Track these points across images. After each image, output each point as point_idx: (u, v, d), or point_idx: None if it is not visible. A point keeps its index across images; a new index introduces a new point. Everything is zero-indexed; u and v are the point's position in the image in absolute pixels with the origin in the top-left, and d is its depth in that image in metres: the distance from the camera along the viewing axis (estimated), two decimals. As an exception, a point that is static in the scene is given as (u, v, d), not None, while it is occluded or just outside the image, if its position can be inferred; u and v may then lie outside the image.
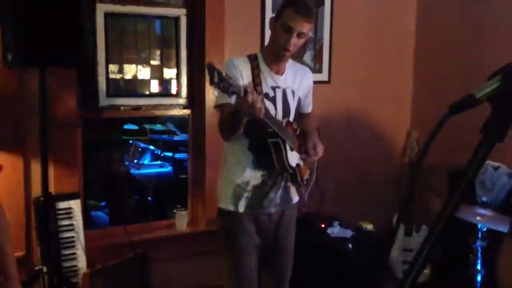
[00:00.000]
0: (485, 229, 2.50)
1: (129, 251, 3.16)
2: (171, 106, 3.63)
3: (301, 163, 2.55)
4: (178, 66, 3.63)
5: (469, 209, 2.64)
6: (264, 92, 2.41)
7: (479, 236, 2.51)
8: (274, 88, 2.46)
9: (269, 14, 3.68)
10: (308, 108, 2.74)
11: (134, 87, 3.59)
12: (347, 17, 4.01)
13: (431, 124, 3.69)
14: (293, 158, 2.46)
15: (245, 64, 2.42)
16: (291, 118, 2.53)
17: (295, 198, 2.66)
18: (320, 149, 2.54)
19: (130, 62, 3.55)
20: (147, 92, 3.63)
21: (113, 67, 3.46)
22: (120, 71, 3.51)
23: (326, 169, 3.94)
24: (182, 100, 3.65)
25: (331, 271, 3.23)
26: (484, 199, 3.30)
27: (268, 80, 2.44)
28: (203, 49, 3.53)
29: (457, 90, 3.95)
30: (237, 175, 2.47)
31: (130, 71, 3.55)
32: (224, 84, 1.90)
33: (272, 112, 2.40)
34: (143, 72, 3.59)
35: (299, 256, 3.18)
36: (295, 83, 2.54)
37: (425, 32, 4.25)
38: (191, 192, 3.73)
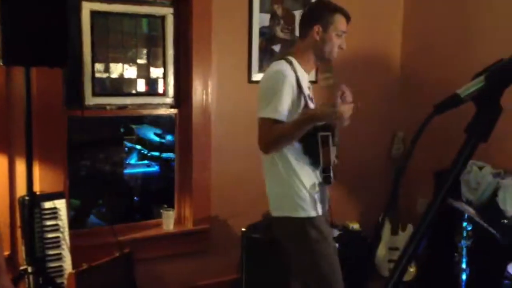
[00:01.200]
0: (470, 228, 2.52)
1: (115, 251, 3.15)
2: (157, 106, 3.61)
3: (336, 161, 2.57)
4: (165, 65, 3.62)
5: (458, 203, 2.66)
6: (307, 93, 2.48)
7: (464, 235, 2.53)
8: (309, 88, 2.56)
9: (256, 13, 3.69)
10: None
11: (120, 86, 3.57)
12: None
13: (417, 125, 3.71)
14: (334, 153, 2.50)
15: (291, 71, 2.41)
16: None
17: None
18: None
19: (116, 61, 3.53)
20: (134, 91, 3.61)
21: (99, 66, 3.43)
22: (106, 70, 3.49)
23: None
24: (169, 100, 3.64)
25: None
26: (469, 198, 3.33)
27: (306, 81, 2.51)
28: (190, 48, 3.53)
29: (443, 91, 3.98)
30: (306, 180, 2.44)
31: (116, 70, 3.53)
32: None
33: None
34: (130, 71, 3.58)
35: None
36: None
37: (411, 33, 4.28)
38: (178, 191, 3.73)
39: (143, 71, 3.61)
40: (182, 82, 3.62)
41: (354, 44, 4.19)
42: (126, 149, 5.32)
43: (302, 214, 2.42)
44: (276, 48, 3.82)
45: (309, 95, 2.51)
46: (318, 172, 2.47)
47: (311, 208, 2.43)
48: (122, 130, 5.38)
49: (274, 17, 3.78)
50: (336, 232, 3.36)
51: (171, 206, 3.73)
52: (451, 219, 2.57)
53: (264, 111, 2.33)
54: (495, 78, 0.86)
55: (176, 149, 3.75)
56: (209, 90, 3.59)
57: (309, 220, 2.43)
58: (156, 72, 3.64)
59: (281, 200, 2.48)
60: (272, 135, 2.31)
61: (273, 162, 2.46)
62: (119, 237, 3.26)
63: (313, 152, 2.41)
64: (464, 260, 2.55)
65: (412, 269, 3.99)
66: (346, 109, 2.25)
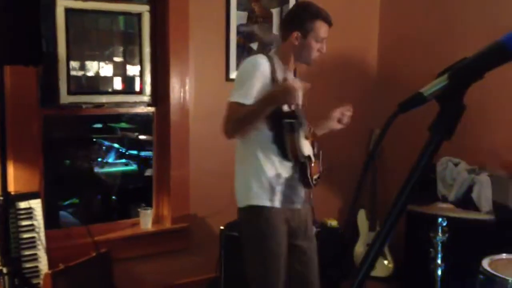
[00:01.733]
0: (445, 224, 2.55)
1: (92, 251, 3.11)
2: (134, 104, 3.59)
3: (313, 158, 2.55)
4: (141, 63, 3.59)
5: (431, 206, 2.69)
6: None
7: (440, 230, 2.56)
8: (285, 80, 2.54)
9: (234, 11, 3.68)
10: None
11: (96, 85, 3.54)
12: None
13: (393, 122, 3.67)
14: (306, 147, 2.49)
15: (266, 62, 2.42)
16: None
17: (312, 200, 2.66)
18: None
19: (92, 59, 3.50)
20: (110, 90, 3.58)
21: (74, 64, 3.39)
22: (82, 68, 3.45)
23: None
24: (146, 98, 3.62)
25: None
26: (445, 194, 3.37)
27: (281, 76, 2.47)
28: (167, 46, 3.51)
29: (416, 89, 4.02)
30: (268, 169, 2.40)
31: (92, 68, 3.50)
32: None
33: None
34: (106, 69, 3.54)
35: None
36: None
37: (388, 30, 4.31)
38: (156, 190, 3.71)
39: (120, 69, 3.58)
40: (159, 80, 3.60)
41: (331, 42, 4.22)
42: (104, 147, 5.27)
43: (254, 202, 2.40)
44: (254, 46, 3.81)
45: None
46: (288, 165, 2.44)
47: (266, 198, 2.39)
48: (99, 128, 5.34)
49: (251, 15, 3.78)
50: (314, 230, 3.37)
51: (149, 205, 3.71)
52: (426, 214, 2.59)
53: (233, 96, 2.36)
54: (458, 77, 0.87)
55: (154, 147, 3.73)
56: (187, 88, 3.58)
57: (260, 209, 2.39)
58: (132, 70, 3.61)
59: (242, 189, 2.47)
60: (233, 118, 2.31)
61: (239, 152, 2.50)
62: (96, 237, 3.22)
63: (280, 141, 2.40)
64: (439, 255, 2.58)
65: (390, 265, 4.03)
66: (297, 85, 2.22)
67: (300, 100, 2.19)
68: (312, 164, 2.54)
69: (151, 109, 3.63)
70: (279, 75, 2.44)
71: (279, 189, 2.41)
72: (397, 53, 4.24)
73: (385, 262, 4.04)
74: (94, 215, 4.44)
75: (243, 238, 2.50)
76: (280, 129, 2.38)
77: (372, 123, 4.42)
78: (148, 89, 3.61)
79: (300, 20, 2.50)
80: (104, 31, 3.50)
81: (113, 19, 3.54)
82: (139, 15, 3.55)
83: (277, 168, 2.42)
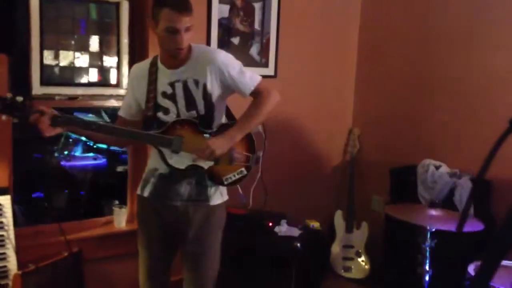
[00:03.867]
0: (433, 230, 2.52)
1: (63, 250, 2.98)
2: (111, 97, 3.43)
3: (206, 164, 2.37)
4: (119, 55, 3.43)
5: (420, 212, 2.66)
6: (161, 91, 2.37)
7: (428, 236, 2.53)
8: (172, 84, 2.37)
9: (216, 4, 3.57)
10: (245, 91, 2.41)
11: (70, 76, 3.36)
12: (295, 12, 3.96)
13: (372, 122, 3.76)
14: (183, 159, 2.34)
15: (144, 68, 2.43)
16: (201, 109, 2.37)
17: (216, 200, 2.47)
18: (203, 153, 2.27)
19: (66, 48, 3.32)
20: (85, 81, 3.41)
21: (48, 54, 3.21)
22: (56, 57, 3.27)
23: (271, 166, 3.90)
24: (123, 91, 3.46)
25: (279, 271, 3.18)
26: (427, 197, 3.36)
27: (164, 78, 2.38)
28: (146, 37, 3.36)
29: (397, 90, 4.04)
30: (151, 162, 2.52)
31: (67, 57, 3.32)
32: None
33: (172, 110, 2.38)
34: (81, 60, 3.37)
35: (246, 256, 3.13)
36: (195, 71, 2.35)
37: (368, 31, 4.28)
38: (130, 187, 3.56)
39: (96, 60, 3.41)
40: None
41: (310, 41, 4.18)
42: (71, 140, 5.06)
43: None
44: (235, 40, 3.71)
45: (164, 92, 2.38)
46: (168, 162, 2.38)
47: (140, 186, 2.54)
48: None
49: (233, 8, 3.67)
50: (297, 232, 3.31)
51: (122, 202, 3.57)
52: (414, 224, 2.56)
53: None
54: None
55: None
56: (166, 82, 3.44)
57: (137, 196, 2.59)
58: (109, 61, 3.45)
59: None
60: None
61: None
62: (67, 236, 3.07)
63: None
64: (427, 261, 2.55)
65: (367, 266, 4.01)
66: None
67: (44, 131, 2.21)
68: (213, 167, 2.39)
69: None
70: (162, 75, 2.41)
71: (151, 181, 2.48)
72: (376, 55, 4.22)
73: (362, 262, 4.02)
74: (62, 212, 4.25)
75: None
76: None
77: (351, 123, 4.40)
78: (125, 81, 3.45)
79: (152, 8, 2.28)
80: (80, 20, 3.33)
81: (89, 8, 3.37)
82: (117, 4, 3.39)
83: (155, 163, 2.47)
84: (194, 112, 2.37)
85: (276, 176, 3.93)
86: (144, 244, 2.58)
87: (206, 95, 2.36)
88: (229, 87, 2.40)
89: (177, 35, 2.21)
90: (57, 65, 3.29)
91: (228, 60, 2.39)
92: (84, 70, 3.39)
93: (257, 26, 3.79)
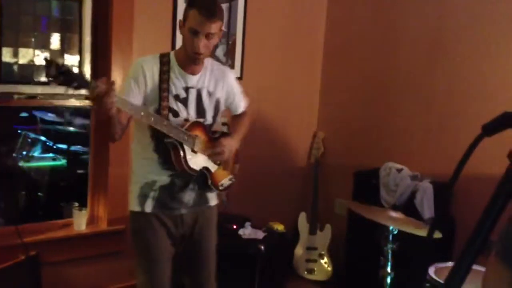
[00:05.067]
0: (396, 232, 2.54)
1: (20, 254, 2.87)
2: (72, 96, 3.34)
3: (213, 167, 2.46)
4: (81, 53, 3.35)
5: (381, 212, 2.68)
6: (174, 93, 2.35)
7: (390, 238, 2.55)
8: (186, 89, 2.38)
9: (181, 2, 3.52)
10: (238, 110, 2.67)
11: (30, 74, 3.26)
12: (261, 13, 3.95)
13: (337, 125, 3.78)
14: (198, 160, 2.38)
15: (154, 64, 2.35)
16: (208, 119, 2.47)
17: (213, 201, 2.58)
18: (226, 146, 2.41)
19: (26, 45, 3.22)
20: (45, 80, 3.31)
21: (6, 51, 3.11)
22: (15, 55, 3.17)
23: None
24: (83, 90, 3.37)
25: (243, 273, 3.16)
26: (389, 200, 3.39)
27: (180, 81, 2.36)
28: (109, 35, 3.30)
29: (362, 95, 4.08)
30: (144, 175, 2.41)
31: (27, 55, 3.22)
32: (65, 78, 1.89)
33: (183, 113, 2.36)
34: (41, 58, 3.27)
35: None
36: (211, 83, 2.46)
37: (333, 35, 4.31)
38: (91, 189, 3.48)
39: (57, 58, 3.32)
40: (100, 72, 3.36)
41: (277, 43, 4.18)
42: (29, 140, 4.92)
43: (130, 207, 2.45)
44: (201, 41, 3.67)
45: (178, 95, 2.36)
46: (170, 173, 2.37)
47: (137, 204, 2.41)
48: (24, 118, 4.98)
49: (199, 9, 3.63)
50: (261, 234, 3.30)
51: (82, 204, 3.48)
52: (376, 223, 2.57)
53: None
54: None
55: (90, 143, 3.50)
56: (129, 81, 3.38)
57: (132, 214, 2.45)
58: (71, 59, 3.37)
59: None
60: None
61: (132, 155, 2.51)
62: (24, 239, 2.98)
63: (165, 154, 2.35)
64: (389, 263, 2.57)
65: (329, 268, 4.03)
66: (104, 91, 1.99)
67: (110, 107, 2.00)
68: (214, 172, 2.47)
69: (89, 103, 3.40)
70: (177, 77, 2.36)
71: (151, 195, 2.39)
72: (341, 59, 4.25)
73: (325, 264, 4.04)
74: (19, 214, 4.12)
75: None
76: (161, 141, 2.32)
77: (315, 126, 4.42)
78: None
79: (185, 7, 2.34)
80: (41, 17, 3.23)
81: (51, 5, 3.28)
82: (80, 1, 3.31)
83: (152, 176, 2.39)
84: (202, 120, 2.43)
85: (240, 178, 3.90)
86: (152, 261, 2.43)
87: (217, 108, 2.50)
88: (229, 104, 2.59)
89: (197, 37, 2.24)
90: (16, 62, 3.19)
91: (235, 80, 2.62)
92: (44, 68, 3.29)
93: (222, 28, 3.75)
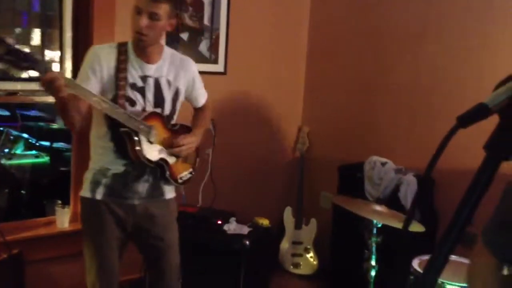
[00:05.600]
0: (380, 225, 2.56)
1: (3, 252, 2.90)
2: (53, 92, 3.30)
3: (171, 159, 2.42)
4: (62, 48, 3.31)
5: (365, 206, 2.69)
6: (130, 82, 2.32)
7: (374, 232, 2.56)
8: (144, 78, 2.35)
9: (163, -1, 3.49)
10: (198, 102, 2.65)
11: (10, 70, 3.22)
12: (245, 8, 3.93)
13: (321, 120, 3.78)
14: (155, 151, 2.35)
15: (110, 53, 2.32)
16: (167, 108, 2.43)
17: (169, 194, 2.53)
18: (186, 145, 2.39)
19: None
20: (26, 76, 3.27)
21: (-15, 46, 3.06)
22: (-6, 50, 3.12)
23: (220, 164, 3.87)
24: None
25: (228, 269, 3.16)
26: (374, 194, 3.40)
27: (136, 70, 2.34)
28: (90, 30, 3.26)
29: (346, 89, 4.08)
30: (98, 162, 2.40)
31: (6, 51, 3.17)
32: (13, 57, 1.85)
33: (140, 102, 2.34)
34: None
35: (195, 254, 3.09)
36: (170, 72, 2.42)
37: (317, 29, 4.31)
38: (74, 186, 3.45)
39: (37, 54, 3.28)
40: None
41: (260, 38, 4.17)
42: (12, 137, 4.86)
43: (81, 193, 2.44)
44: (184, 36, 3.65)
45: (134, 84, 2.33)
46: (124, 162, 2.34)
47: (88, 190, 2.39)
48: (5, 116, 4.93)
49: (182, 3, 3.61)
50: (246, 230, 3.29)
51: (65, 202, 3.45)
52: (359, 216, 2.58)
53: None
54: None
55: (73, 140, 3.46)
56: (111, 77, 3.34)
57: (83, 200, 2.43)
58: (51, 55, 3.33)
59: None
60: None
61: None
62: (6, 237, 2.98)
63: (120, 143, 2.32)
64: (373, 256, 2.58)
65: (315, 262, 4.04)
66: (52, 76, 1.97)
67: (60, 92, 1.96)
68: (172, 164, 2.43)
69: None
70: (133, 66, 2.33)
71: (103, 182, 2.38)
72: (326, 54, 4.25)
73: (310, 258, 4.04)
74: (2, 212, 4.07)
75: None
76: (117, 131, 2.29)
77: (300, 121, 4.42)
78: (69, 77, 3.33)
79: None
80: (21, 12, 3.19)
81: (31, 0, 3.24)
82: (60, -4, 3.27)
83: (106, 163, 2.37)
84: (159, 110, 2.40)
85: (225, 173, 3.90)
86: (98, 247, 2.42)
87: (176, 98, 2.45)
88: (188, 95, 2.55)
89: (140, 16, 2.19)
90: (-5, 58, 3.14)
91: (197, 72, 2.56)
92: (25, 64, 3.25)
93: (206, 21, 3.74)
